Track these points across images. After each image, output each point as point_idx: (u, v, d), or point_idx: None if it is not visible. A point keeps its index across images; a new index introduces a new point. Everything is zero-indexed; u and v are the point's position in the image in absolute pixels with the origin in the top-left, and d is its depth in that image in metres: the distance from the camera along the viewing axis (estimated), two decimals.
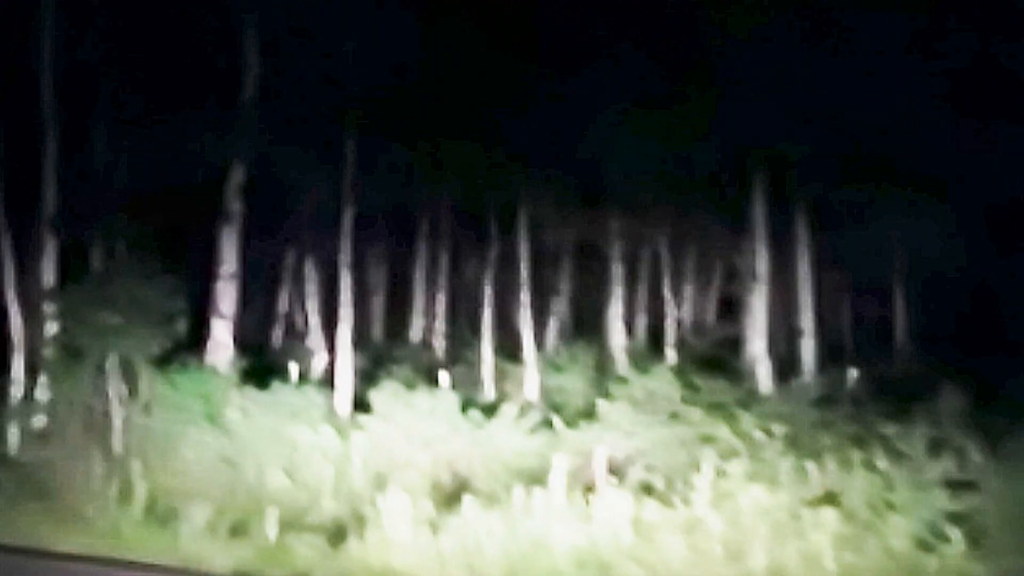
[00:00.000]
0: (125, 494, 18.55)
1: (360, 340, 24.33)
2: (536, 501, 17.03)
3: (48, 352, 21.78)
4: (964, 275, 25.42)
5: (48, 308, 22.00)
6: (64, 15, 22.66)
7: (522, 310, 26.38)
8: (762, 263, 25.73)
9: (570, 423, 20.42)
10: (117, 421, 20.91)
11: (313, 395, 21.69)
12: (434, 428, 19.93)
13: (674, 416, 19.90)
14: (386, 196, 25.43)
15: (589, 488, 17.62)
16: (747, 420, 20.05)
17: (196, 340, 22.93)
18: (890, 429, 18.58)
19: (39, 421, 21.35)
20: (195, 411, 20.73)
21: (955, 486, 16.65)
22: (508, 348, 26.33)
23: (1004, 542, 15.64)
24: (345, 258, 23.84)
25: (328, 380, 23.41)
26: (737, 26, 23.63)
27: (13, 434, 21.19)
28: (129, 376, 21.43)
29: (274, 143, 23.33)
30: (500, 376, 25.65)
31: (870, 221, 25.73)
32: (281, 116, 23.33)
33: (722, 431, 19.20)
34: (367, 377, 23.07)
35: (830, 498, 16.59)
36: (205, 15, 23.47)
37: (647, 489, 17.50)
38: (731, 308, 28.71)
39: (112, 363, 21.40)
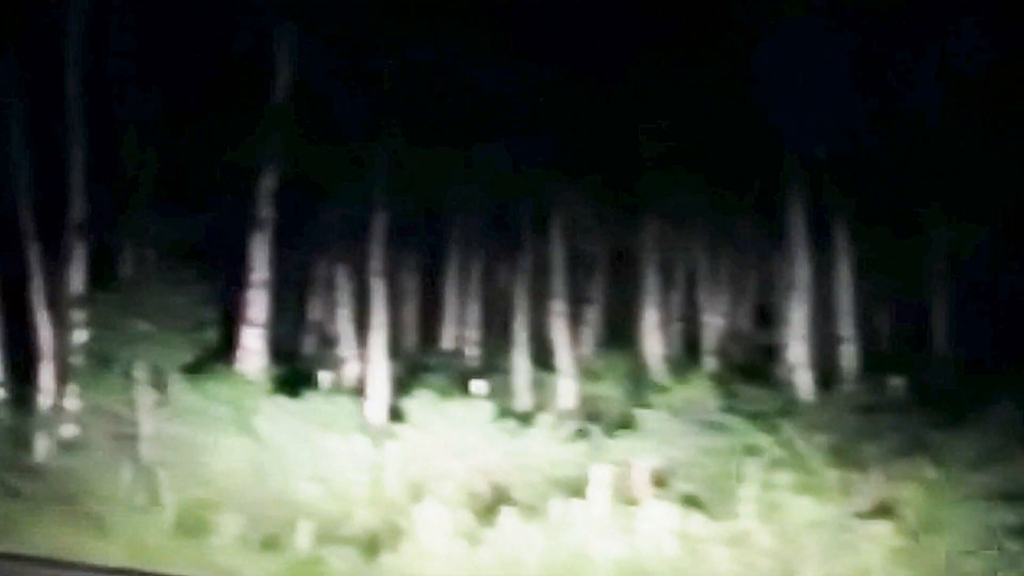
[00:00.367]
0: (154, 504, 18.31)
1: (392, 348, 23.95)
2: (576, 512, 16.62)
3: (77, 360, 21.44)
4: (1005, 282, 25.08)
5: (77, 315, 21.68)
6: (92, 19, 22.33)
7: (556, 318, 26.04)
8: (801, 269, 25.28)
9: (608, 433, 20.01)
10: (146, 430, 20.58)
11: (345, 404, 21.29)
12: (469, 437, 19.56)
13: (715, 425, 19.43)
14: (418, 203, 25.18)
15: (630, 499, 17.21)
16: (790, 429, 19.58)
17: (226, 348, 22.55)
18: (939, 439, 18.06)
19: (68, 430, 21.04)
20: (226, 420, 20.35)
21: (1012, 498, 16.10)
22: (541, 357, 26.00)
23: None
24: (377, 265, 23.48)
25: (360, 389, 23.02)
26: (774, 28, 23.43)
27: (41, 443, 20.93)
28: (159, 384, 21.07)
29: (305, 149, 22.98)
30: (534, 385, 25.27)
31: (909, 227, 25.34)
32: (313, 121, 22.96)
33: (765, 441, 18.71)
34: (400, 386, 22.71)
35: (882, 510, 16.10)
36: (236, 20, 23.16)
37: (690, 500, 17.05)
38: (768, 315, 28.32)
39: (141, 371, 21.05)
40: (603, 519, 16.55)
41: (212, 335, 21.99)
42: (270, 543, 17.25)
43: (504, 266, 28.38)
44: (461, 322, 28.60)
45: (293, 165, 23.15)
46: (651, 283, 27.82)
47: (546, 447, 19.65)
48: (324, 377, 23.14)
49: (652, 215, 27.27)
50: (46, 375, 21.72)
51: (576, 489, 17.66)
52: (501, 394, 23.70)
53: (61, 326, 21.90)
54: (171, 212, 23.51)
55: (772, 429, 19.45)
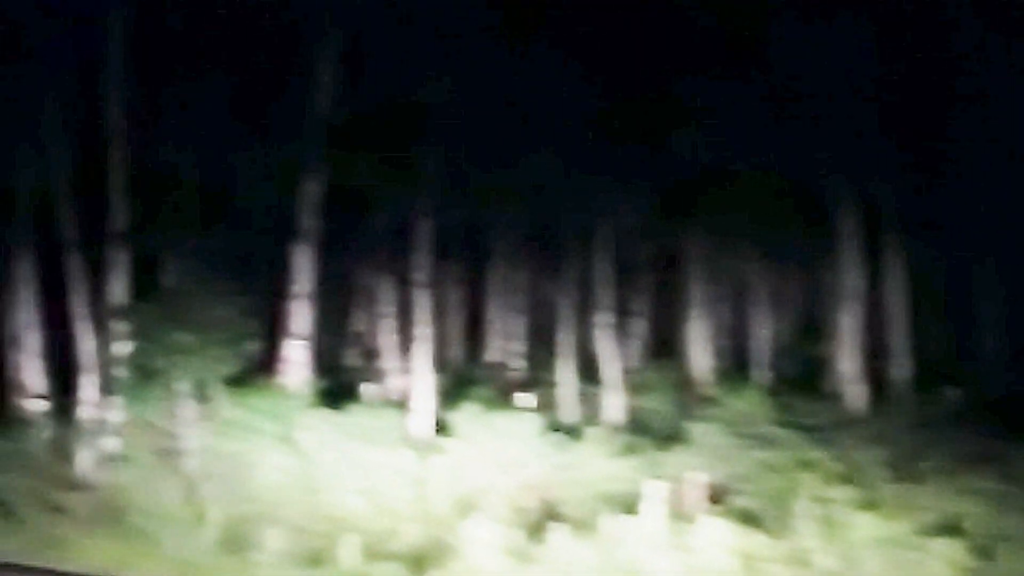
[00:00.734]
0: (198, 519, 18.01)
1: (436, 361, 23.63)
2: (629, 529, 16.21)
3: (119, 372, 21.20)
4: None
5: (118, 327, 21.44)
6: (133, 30, 22.12)
7: (602, 330, 25.70)
8: (854, 279, 24.88)
9: (659, 447, 19.63)
10: (190, 444, 20.29)
11: (390, 417, 21.05)
12: (516, 451, 19.26)
13: (769, 439, 19.01)
14: (462, 214, 24.90)
15: (685, 515, 16.79)
16: (845, 443, 19.16)
17: (269, 360, 22.27)
18: (1001, 450, 17.57)
19: (110, 443, 20.77)
20: (270, 434, 20.10)
21: None
22: (587, 369, 25.66)
23: None
24: (421, 277, 23.17)
25: (404, 402, 22.68)
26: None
27: (84, 457, 20.64)
28: (201, 397, 20.80)
29: (349, 160, 22.71)
30: (580, 398, 24.91)
31: (960, 235, 24.88)
32: (356, 133, 22.70)
33: (821, 455, 18.27)
34: (444, 398, 22.38)
35: (946, 526, 15.60)
36: (278, 30, 22.95)
37: (747, 517, 16.61)
38: (816, 327, 27.89)
39: (185, 384, 20.78)
40: (657, 536, 16.11)
41: (255, 347, 21.76)
42: (315, 558, 16.95)
43: (549, 278, 28.05)
44: (505, 334, 28.27)
45: (336, 175, 22.89)
46: (697, 295, 27.46)
47: (595, 461, 19.34)
48: (368, 390, 22.78)
49: (698, 226, 26.89)
50: (88, 387, 21.49)
51: (627, 504, 17.30)
52: (547, 407, 23.39)
53: (103, 337, 21.66)
54: (213, 222, 23.26)
55: (827, 443, 19.05)
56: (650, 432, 21.33)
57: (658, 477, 17.79)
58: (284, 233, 23.06)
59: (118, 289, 21.63)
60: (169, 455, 20.13)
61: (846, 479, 17.50)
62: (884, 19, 22.92)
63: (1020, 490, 16.27)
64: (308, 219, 22.79)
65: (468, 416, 20.10)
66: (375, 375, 25.20)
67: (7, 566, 16.71)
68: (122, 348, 21.29)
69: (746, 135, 23.72)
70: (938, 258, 25.99)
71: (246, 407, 20.75)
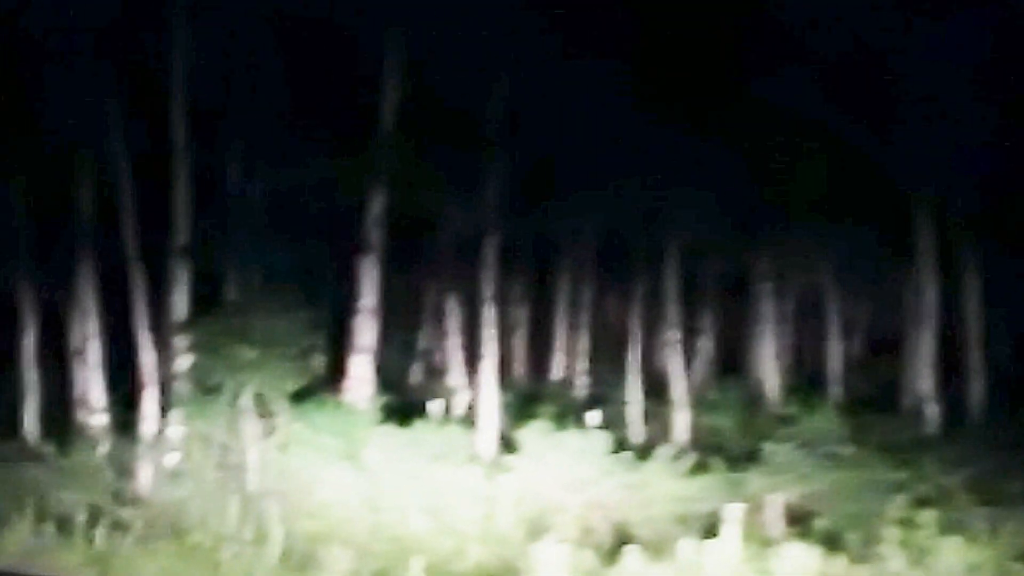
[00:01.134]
0: (260, 537, 17.61)
1: (501, 378, 23.27)
2: (706, 552, 15.66)
3: (181, 387, 20.95)
4: None
5: (180, 341, 21.20)
6: (196, 42, 21.92)
7: (670, 348, 25.34)
8: (930, 297, 24.34)
9: (732, 466, 19.10)
10: (252, 460, 19.96)
11: (456, 434, 20.60)
12: (585, 470, 18.71)
13: (849, 459, 18.45)
14: (529, 230, 24.51)
15: (764, 538, 16.24)
16: (926, 464, 18.58)
17: (334, 376, 21.94)
18: None
19: (172, 459, 20.50)
20: (334, 450, 19.70)
21: None
22: (654, 387, 25.24)
23: None
24: (488, 292, 22.77)
25: (470, 419, 22.32)
26: None
27: (145, 472, 20.39)
28: (264, 412, 20.49)
29: (415, 173, 22.42)
30: (648, 416, 24.49)
31: None
32: (422, 146, 22.40)
33: (904, 477, 17.68)
34: (510, 416, 21.98)
35: None
36: (342, 43, 22.69)
37: (830, 540, 16.02)
38: (886, 345, 27.42)
39: (247, 399, 20.48)
40: (736, 559, 15.52)
41: (319, 362, 21.47)
42: None
43: (615, 295, 27.77)
44: (571, 352, 27.94)
45: (402, 188, 22.60)
46: (766, 312, 27.06)
47: (666, 481, 18.81)
48: (434, 407, 22.42)
49: (768, 243, 26.47)
50: (150, 401, 21.25)
51: (702, 526, 16.74)
52: (614, 425, 22.89)
53: (165, 351, 21.44)
54: (277, 236, 23.02)
55: (908, 464, 18.50)
56: (721, 451, 20.81)
57: (733, 497, 17.20)
58: (349, 246, 22.77)
59: (181, 303, 21.37)
60: (231, 471, 19.80)
61: (930, 502, 16.89)
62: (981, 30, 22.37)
63: None
64: (374, 232, 22.45)
65: (535, 434, 19.60)
66: (441, 392, 24.86)
67: None
68: (184, 363, 21.03)
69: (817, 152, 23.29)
70: (1017, 276, 25.37)
71: (309, 423, 20.37)
